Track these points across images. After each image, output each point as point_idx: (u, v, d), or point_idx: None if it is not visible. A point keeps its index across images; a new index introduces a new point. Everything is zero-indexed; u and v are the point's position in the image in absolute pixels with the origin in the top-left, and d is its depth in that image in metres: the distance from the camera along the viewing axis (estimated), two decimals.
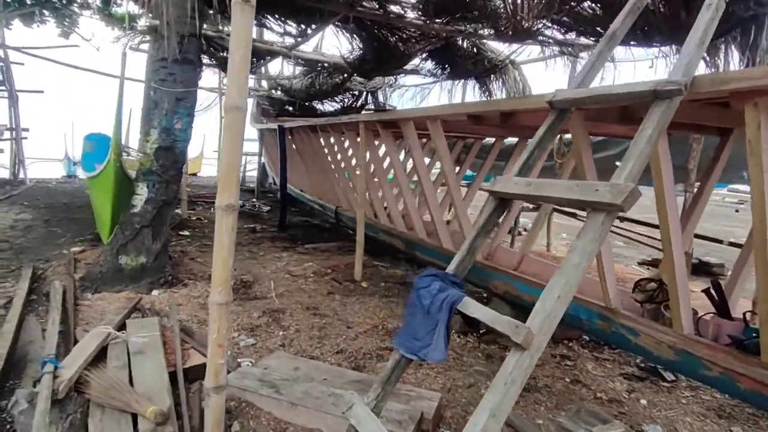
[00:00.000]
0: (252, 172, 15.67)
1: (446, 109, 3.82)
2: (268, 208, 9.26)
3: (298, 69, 11.84)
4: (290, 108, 12.12)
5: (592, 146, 5.52)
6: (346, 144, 6.22)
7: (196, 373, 2.85)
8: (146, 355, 2.78)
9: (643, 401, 3.01)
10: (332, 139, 6.33)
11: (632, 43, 5.55)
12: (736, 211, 14.08)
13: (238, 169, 2.03)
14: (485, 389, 2.97)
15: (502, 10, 4.35)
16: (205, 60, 8.45)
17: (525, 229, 8.88)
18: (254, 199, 10.12)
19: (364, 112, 11.16)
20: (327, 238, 6.98)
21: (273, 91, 11.89)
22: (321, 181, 7.47)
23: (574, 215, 6.69)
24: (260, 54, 8.10)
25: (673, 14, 4.42)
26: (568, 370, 3.31)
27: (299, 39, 6.94)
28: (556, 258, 6.14)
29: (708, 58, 5.75)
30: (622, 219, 8.55)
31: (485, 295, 4.05)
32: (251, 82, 13.51)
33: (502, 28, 4.65)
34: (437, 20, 4.99)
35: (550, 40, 6.26)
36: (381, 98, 11.62)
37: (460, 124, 3.85)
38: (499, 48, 7.45)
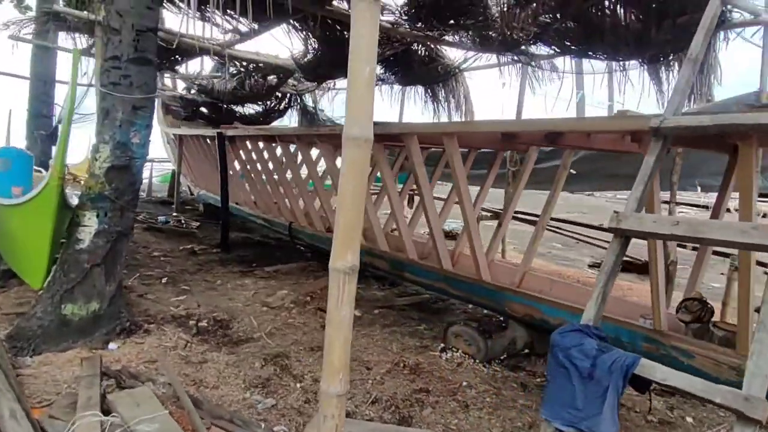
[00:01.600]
0: (154, 179, 14.03)
1: (472, 127, 3.54)
2: (197, 223, 8.27)
3: (209, 68, 10.87)
4: (205, 110, 11.04)
5: (540, 155, 5.61)
6: (314, 156, 5.67)
7: None
8: None
9: (689, 419, 3.02)
10: (292, 150, 5.74)
11: (595, 53, 5.77)
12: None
13: (361, 218, 1.57)
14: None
15: (497, 17, 4.21)
16: None
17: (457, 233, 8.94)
18: (175, 214, 8.99)
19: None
20: (282, 257, 6.35)
21: (186, 92, 10.73)
22: (267, 195, 6.79)
23: (532, 223, 6.83)
24: (187, 52, 7.18)
25: (644, 28, 4.60)
26: None
27: (241, 37, 6.23)
28: (550, 272, 6.13)
29: (651, 74, 6.18)
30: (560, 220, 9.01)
31: (501, 319, 3.86)
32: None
33: (491, 38, 4.52)
34: (419, 24, 4.72)
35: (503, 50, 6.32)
36: (310, 101, 11.08)
37: (477, 139, 3.62)
38: (451, 55, 7.41)
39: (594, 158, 6.06)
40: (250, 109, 10.96)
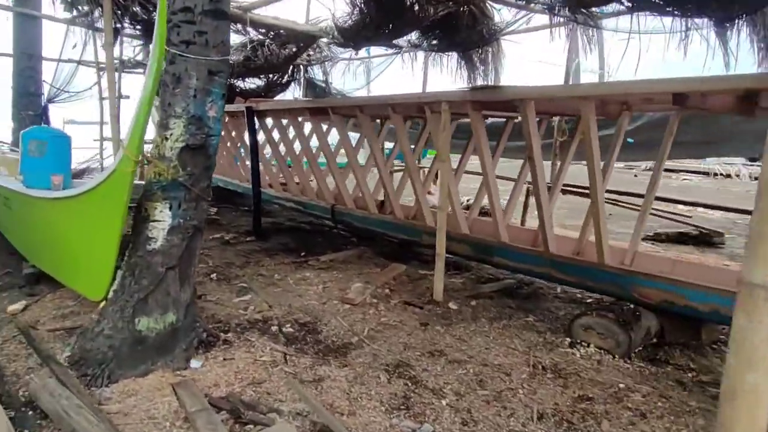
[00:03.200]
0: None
1: (616, 88, 2.99)
2: (214, 209, 7.54)
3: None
4: None
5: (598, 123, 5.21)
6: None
7: None
8: None
9: None
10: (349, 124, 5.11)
11: (673, 10, 5.28)
12: (635, 176, 15.71)
13: None
14: None
15: None
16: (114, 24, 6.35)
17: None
18: None
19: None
20: (327, 244, 5.77)
21: None
22: (303, 176, 6.16)
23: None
24: None
25: None
26: None
27: None
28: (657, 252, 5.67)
29: (716, 35, 5.73)
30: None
31: (631, 306, 3.42)
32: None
33: None
34: None
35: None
36: (320, 74, 10.28)
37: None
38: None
39: (653, 125, 5.66)
40: (251, 83, 10.14)
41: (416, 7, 5.08)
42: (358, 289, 4.06)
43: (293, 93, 11.11)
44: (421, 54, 8.35)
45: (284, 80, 10.32)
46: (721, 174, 16.32)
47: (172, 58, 2.76)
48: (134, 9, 5.97)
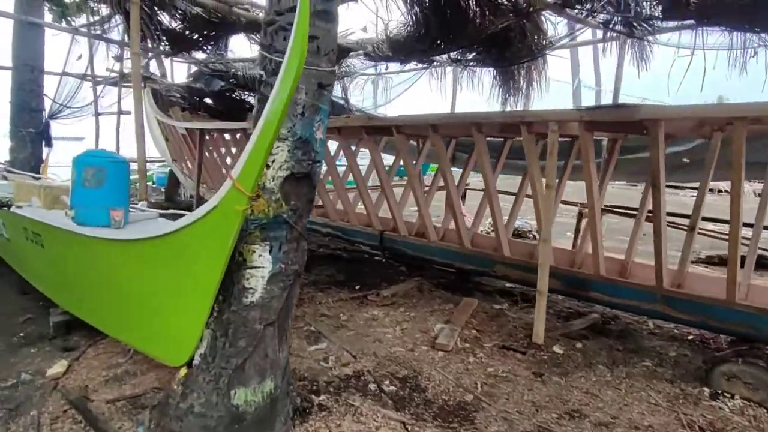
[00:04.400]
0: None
1: None
2: None
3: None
4: (210, 101, 9.61)
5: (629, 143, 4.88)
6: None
7: None
8: None
9: None
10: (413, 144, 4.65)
11: (743, 24, 5.04)
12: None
13: None
14: None
15: None
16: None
17: (531, 232, 8.16)
18: None
19: None
20: (375, 274, 5.27)
21: (191, 81, 9.23)
22: (346, 199, 5.67)
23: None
24: (230, 27, 5.88)
25: None
26: None
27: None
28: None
29: None
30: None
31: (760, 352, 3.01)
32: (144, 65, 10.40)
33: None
34: None
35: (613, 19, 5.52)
36: (337, 90, 9.86)
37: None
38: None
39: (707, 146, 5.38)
40: (252, 98, 9.68)
41: (478, 20, 4.71)
42: (446, 332, 3.57)
43: None
44: (449, 70, 8.03)
45: None
46: (725, 190, 16.46)
47: (275, 67, 2.29)
48: (158, 17, 5.48)
